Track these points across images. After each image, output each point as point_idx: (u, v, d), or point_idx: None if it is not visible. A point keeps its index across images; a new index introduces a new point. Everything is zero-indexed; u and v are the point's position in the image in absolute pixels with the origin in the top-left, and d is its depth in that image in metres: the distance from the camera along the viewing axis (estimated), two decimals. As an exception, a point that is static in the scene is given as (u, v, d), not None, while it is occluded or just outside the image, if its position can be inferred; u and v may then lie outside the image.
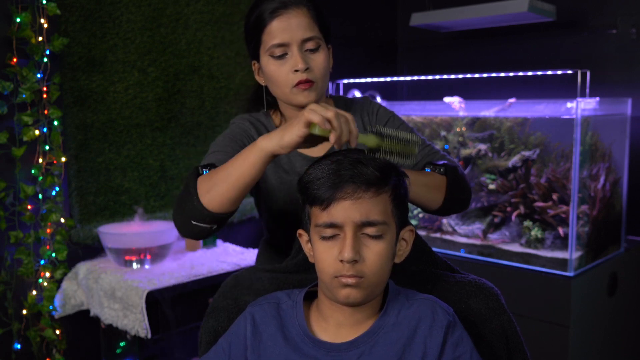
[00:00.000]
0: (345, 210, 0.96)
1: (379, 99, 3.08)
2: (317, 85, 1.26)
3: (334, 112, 0.97)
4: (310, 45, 1.24)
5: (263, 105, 1.38)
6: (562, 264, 2.19)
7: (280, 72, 1.25)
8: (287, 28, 1.22)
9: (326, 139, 1.00)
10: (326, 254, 0.98)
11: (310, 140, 1.01)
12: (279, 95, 1.30)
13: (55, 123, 2.12)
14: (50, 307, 2.13)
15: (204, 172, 1.12)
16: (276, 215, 1.36)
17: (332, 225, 0.97)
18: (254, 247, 2.57)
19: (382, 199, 0.99)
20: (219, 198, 1.06)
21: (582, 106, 2.14)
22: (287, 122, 1.04)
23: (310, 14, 1.25)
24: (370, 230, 0.98)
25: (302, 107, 1.27)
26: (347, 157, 0.99)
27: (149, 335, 1.92)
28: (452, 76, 2.69)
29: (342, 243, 0.97)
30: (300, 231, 1.08)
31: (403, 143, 1.05)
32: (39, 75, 2.07)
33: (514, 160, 2.35)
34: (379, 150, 1.03)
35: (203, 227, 1.09)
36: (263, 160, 1.03)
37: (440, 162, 1.30)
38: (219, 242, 2.52)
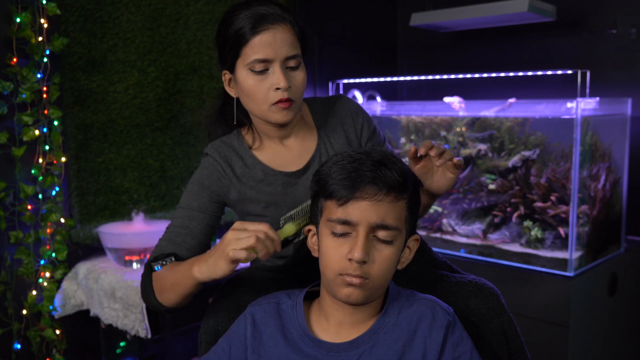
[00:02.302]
0: (363, 211, 0.96)
1: (378, 99, 3.08)
2: (296, 104, 1.22)
3: (254, 237, 1.01)
4: (292, 63, 1.20)
5: (233, 119, 1.32)
6: (562, 264, 2.19)
7: (259, 88, 1.19)
8: (272, 43, 1.17)
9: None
10: (334, 250, 0.98)
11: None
12: (254, 110, 1.25)
13: (55, 123, 2.12)
14: (50, 307, 2.13)
15: (157, 269, 1.20)
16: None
17: (346, 223, 0.97)
18: (254, 247, 2.56)
19: (400, 205, 0.99)
20: (170, 301, 1.18)
21: (582, 106, 2.14)
22: (214, 251, 1.07)
23: (294, 31, 1.21)
24: (382, 234, 0.97)
25: (278, 125, 1.24)
26: (369, 156, 0.99)
27: (149, 335, 1.92)
28: (452, 76, 2.69)
29: (354, 242, 0.96)
30: (308, 227, 1.08)
31: (307, 211, 1.12)
32: (39, 75, 2.07)
33: (514, 160, 2.35)
34: (300, 230, 1.13)
35: (165, 310, 1.22)
36: (198, 286, 1.13)
37: None
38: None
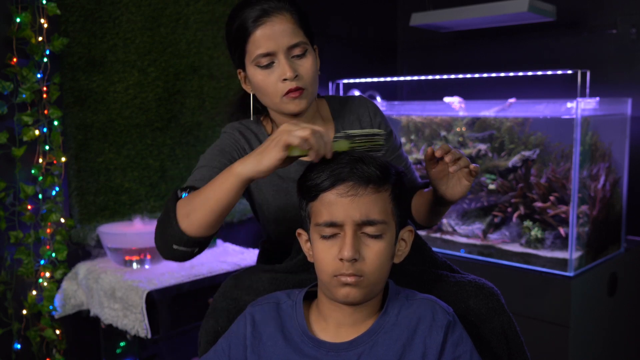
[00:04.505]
0: (345, 209, 0.96)
1: (378, 99, 3.08)
2: (307, 92, 1.23)
3: (310, 130, 0.96)
4: (296, 51, 1.21)
5: (250, 112, 1.34)
6: (562, 264, 2.19)
7: (268, 82, 1.21)
8: (271, 36, 1.19)
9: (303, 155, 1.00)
10: (326, 253, 0.98)
11: (286, 160, 0.99)
12: (268, 104, 1.27)
13: (55, 123, 2.12)
14: (50, 307, 2.13)
15: (183, 196, 1.10)
16: (273, 220, 1.35)
17: (332, 224, 0.97)
18: (254, 247, 2.57)
19: (382, 197, 0.99)
20: (198, 223, 1.05)
21: (582, 106, 2.14)
22: (261, 145, 1.00)
23: (293, 19, 1.21)
24: (369, 230, 0.98)
25: (293, 115, 1.24)
26: (348, 154, 0.99)
27: (149, 335, 1.92)
28: (452, 76, 2.69)
29: (342, 242, 0.97)
30: (299, 231, 1.08)
31: (370, 139, 1.05)
32: (39, 75, 2.07)
33: (514, 160, 2.35)
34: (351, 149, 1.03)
35: (184, 251, 1.10)
36: (239, 186, 1.01)
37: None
38: (219, 242, 2.52)
